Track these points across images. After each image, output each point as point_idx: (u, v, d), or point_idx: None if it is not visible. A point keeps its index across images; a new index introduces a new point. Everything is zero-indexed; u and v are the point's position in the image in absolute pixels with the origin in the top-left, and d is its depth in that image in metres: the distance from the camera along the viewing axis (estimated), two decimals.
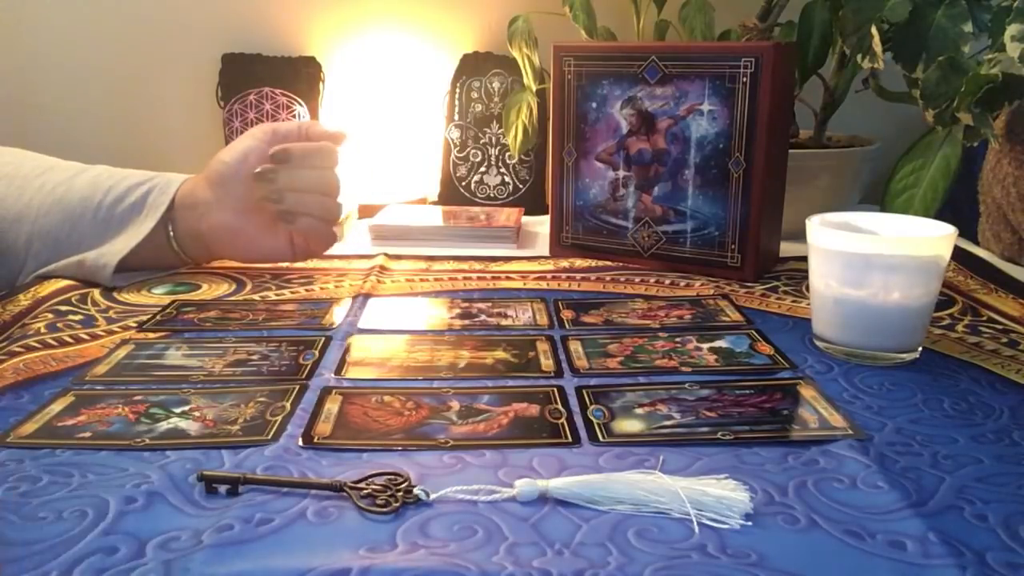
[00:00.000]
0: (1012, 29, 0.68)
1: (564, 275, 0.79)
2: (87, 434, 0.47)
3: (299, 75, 1.14)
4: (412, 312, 0.69)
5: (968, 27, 0.73)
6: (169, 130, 1.20)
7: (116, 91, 1.19)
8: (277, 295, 0.73)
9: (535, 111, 1.03)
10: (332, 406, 0.50)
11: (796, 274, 0.79)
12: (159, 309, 0.68)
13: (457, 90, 1.12)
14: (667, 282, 0.77)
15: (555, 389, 0.53)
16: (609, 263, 0.83)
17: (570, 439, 0.46)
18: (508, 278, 0.78)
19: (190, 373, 0.56)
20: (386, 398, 0.51)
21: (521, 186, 1.12)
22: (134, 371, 0.56)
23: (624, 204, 0.82)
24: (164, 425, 0.48)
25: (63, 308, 0.67)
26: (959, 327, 0.64)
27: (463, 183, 1.12)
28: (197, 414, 0.49)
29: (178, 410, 0.50)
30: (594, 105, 0.81)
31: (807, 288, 0.67)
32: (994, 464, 0.44)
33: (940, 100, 0.72)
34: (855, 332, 0.57)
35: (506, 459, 0.44)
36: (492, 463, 0.44)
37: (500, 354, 0.59)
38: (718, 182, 0.76)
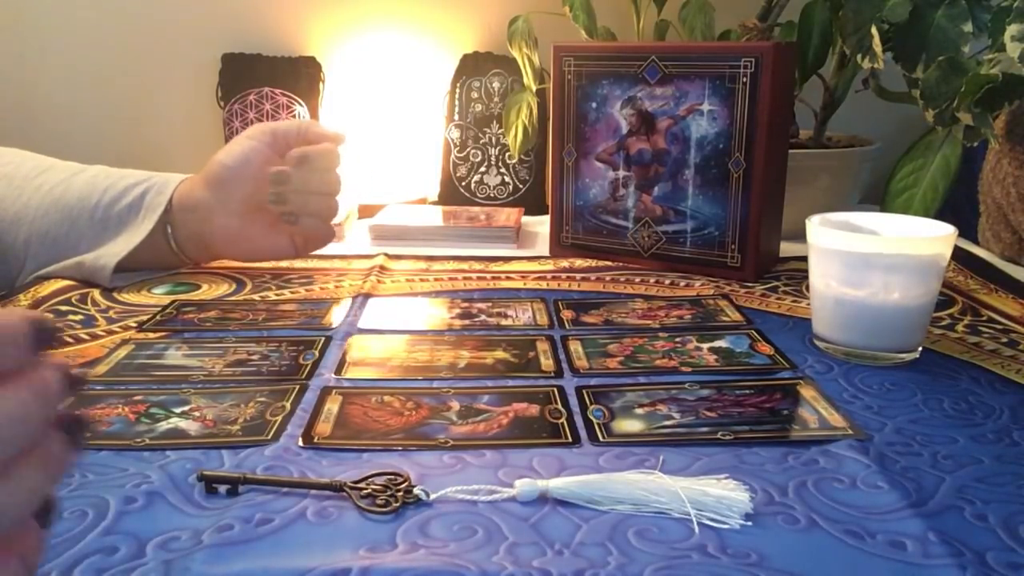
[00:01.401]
0: (1012, 29, 0.68)
1: (564, 275, 0.79)
2: (87, 434, 0.47)
3: (299, 75, 1.14)
4: (412, 312, 0.69)
5: (968, 27, 0.73)
6: (169, 130, 1.20)
7: (116, 91, 1.19)
8: (277, 295, 0.73)
9: (535, 111, 1.03)
10: (332, 406, 0.50)
11: (796, 274, 0.79)
12: (159, 309, 0.68)
13: (457, 90, 1.12)
14: (667, 282, 0.77)
15: (555, 389, 0.53)
16: (609, 263, 0.83)
17: (570, 439, 0.46)
18: (508, 278, 0.78)
19: (190, 373, 0.56)
20: (386, 398, 0.51)
21: (521, 186, 1.12)
22: (134, 371, 0.56)
23: (624, 204, 0.82)
24: (164, 425, 0.48)
25: (63, 308, 0.67)
26: (959, 327, 0.64)
27: (463, 183, 1.12)
28: (197, 414, 0.49)
29: (178, 410, 0.50)
30: (594, 105, 0.81)
31: (807, 288, 0.67)
32: (994, 464, 0.44)
33: (940, 100, 0.72)
34: (855, 332, 0.57)
35: (506, 459, 0.44)
36: (492, 463, 0.44)
37: (500, 354, 0.59)
38: (718, 182, 0.76)
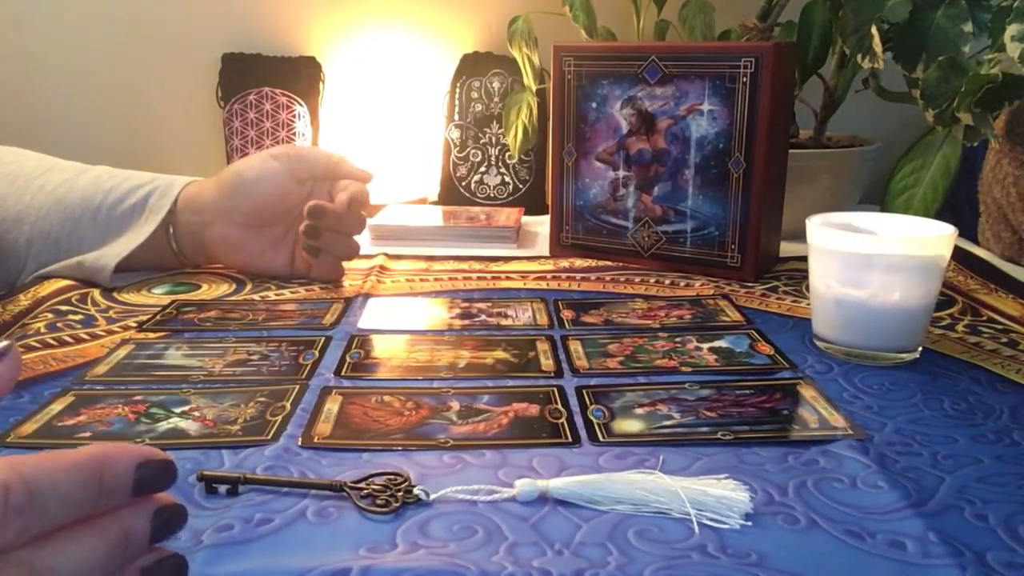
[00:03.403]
0: (1012, 29, 0.68)
1: (564, 275, 0.79)
2: (87, 434, 0.47)
3: (299, 75, 1.14)
4: (412, 312, 0.69)
5: (968, 27, 0.73)
6: (169, 130, 1.20)
7: (116, 91, 1.19)
8: (277, 295, 0.73)
9: (535, 111, 1.03)
10: (332, 406, 0.50)
11: (796, 274, 0.79)
12: (159, 309, 0.68)
13: (457, 90, 1.12)
14: (667, 282, 0.77)
15: (555, 389, 0.53)
16: (609, 263, 0.83)
17: (570, 439, 0.46)
18: (508, 278, 0.78)
19: (190, 373, 0.56)
20: (386, 398, 0.51)
21: (521, 186, 1.12)
22: (134, 371, 0.56)
23: (624, 204, 0.82)
24: (164, 425, 0.48)
25: (63, 308, 0.67)
26: (959, 327, 0.64)
27: (463, 183, 1.12)
28: (197, 414, 0.49)
29: (178, 410, 0.50)
30: (594, 105, 0.81)
31: (807, 288, 0.67)
32: (994, 464, 0.44)
33: (940, 100, 0.72)
34: (855, 332, 0.57)
35: (506, 459, 0.44)
36: (492, 463, 0.44)
37: (500, 354, 0.59)
38: (718, 182, 0.76)
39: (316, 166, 0.76)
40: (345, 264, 0.80)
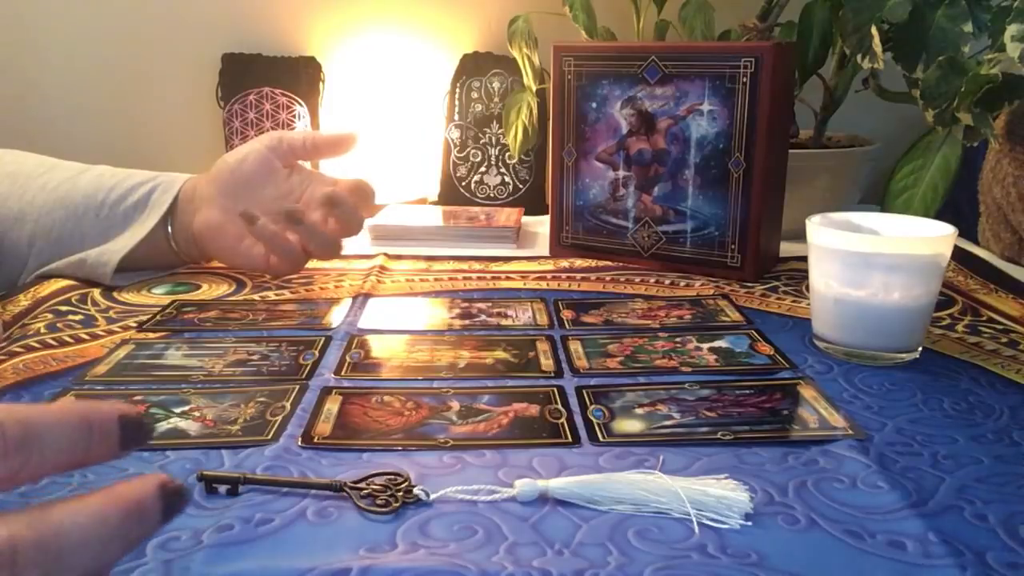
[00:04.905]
0: (1012, 29, 0.68)
1: (564, 275, 0.79)
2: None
3: (299, 75, 1.14)
4: (412, 312, 0.69)
5: (968, 27, 0.73)
6: (169, 130, 1.20)
7: (116, 91, 1.19)
8: (277, 295, 0.73)
9: (535, 111, 1.03)
10: (332, 406, 0.50)
11: (796, 274, 0.79)
12: (159, 309, 0.68)
13: (457, 90, 1.12)
14: (667, 282, 0.77)
15: (555, 389, 0.53)
16: (609, 263, 0.83)
17: (570, 439, 0.46)
18: (508, 278, 0.78)
19: (190, 373, 0.56)
20: (386, 398, 0.51)
21: (521, 186, 1.12)
22: (134, 371, 0.56)
23: (624, 204, 0.82)
24: (164, 425, 0.48)
25: (63, 308, 0.67)
26: (959, 327, 0.64)
27: (463, 183, 1.12)
28: (197, 414, 0.49)
29: (178, 410, 0.50)
30: (594, 105, 0.81)
31: (807, 288, 0.67)
32: (994, 464, 0.44)
33: (940, 100, 0.72)
34: (855, 332, 0.57)
35: (506, 459, 0.44)
36: (492, 463, 0.44)
37: (500, 354, 0.59)
38: (718, 182, 0.76)
39: (295, 144, 0.75)
40: (345, 264, 0.80)
